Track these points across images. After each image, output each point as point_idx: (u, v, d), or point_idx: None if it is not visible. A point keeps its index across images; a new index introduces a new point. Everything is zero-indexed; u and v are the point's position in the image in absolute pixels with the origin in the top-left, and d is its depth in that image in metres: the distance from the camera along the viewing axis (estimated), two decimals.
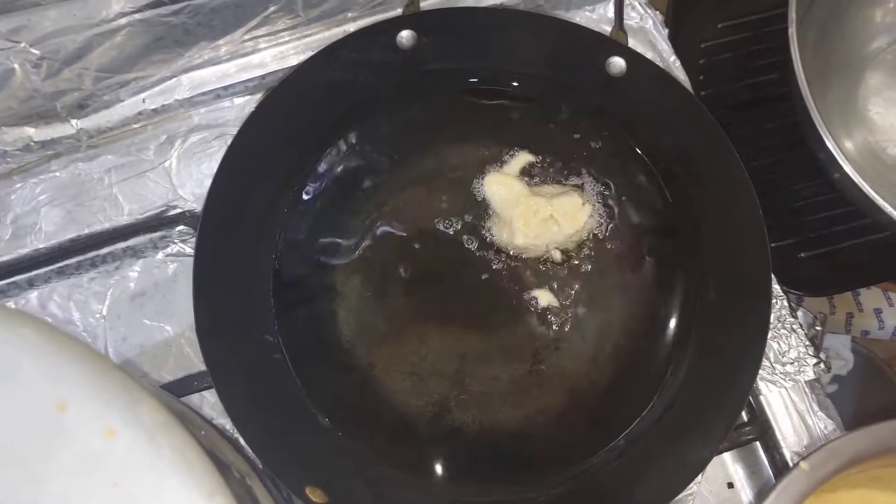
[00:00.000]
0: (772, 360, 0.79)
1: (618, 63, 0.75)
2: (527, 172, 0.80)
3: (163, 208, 0.84)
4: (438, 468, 0.71)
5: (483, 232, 0.78)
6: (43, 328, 0.43)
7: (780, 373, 0.78)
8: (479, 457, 0.72)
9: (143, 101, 0.84)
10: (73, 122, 0.83)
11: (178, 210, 0.84)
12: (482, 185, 0.79)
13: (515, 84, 0.80)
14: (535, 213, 0.77)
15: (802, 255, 0.95)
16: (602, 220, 0.79)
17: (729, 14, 1.02)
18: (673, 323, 0.75)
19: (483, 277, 0.77)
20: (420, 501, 0.69)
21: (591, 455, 0.71)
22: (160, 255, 0.85)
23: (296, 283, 0.76)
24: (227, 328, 0.70)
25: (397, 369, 0.74)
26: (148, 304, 0.84)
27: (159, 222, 0.84)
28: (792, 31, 0.78)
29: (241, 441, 0.65)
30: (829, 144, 0.75)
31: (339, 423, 0.71)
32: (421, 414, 0.73)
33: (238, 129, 0.74)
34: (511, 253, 0.78)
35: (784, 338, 0.80)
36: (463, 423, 0.72)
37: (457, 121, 0.81)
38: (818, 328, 0.84)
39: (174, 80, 0.84)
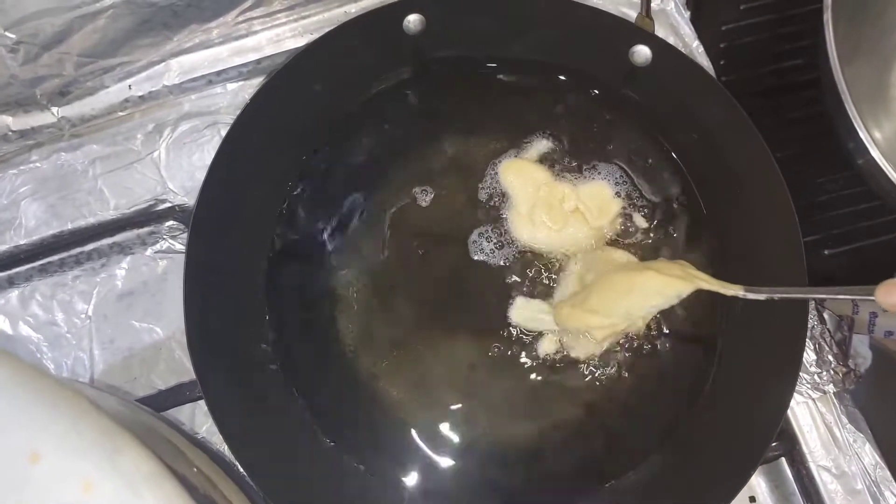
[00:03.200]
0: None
1: (643, 52, 0.69)
2: (546, 161, 0.74)
3: (151, 202, 0.79)
4: (448, 485, 0.67)
5: (499, 229, 0.72)
6: (8, 363, 0.38)
7: (808, 383, 0.74)
8: (490, 471, 0.68)
9: (129, 87, 0.79)
10: (54, 109, 0.78)
11: (168, 204, 0.79)
12: (497, 174, 0.73)
13: (532, 72, 0.74)
14: (561, 202, 0.70)
15: (826, 251, 0.91)
16: (628, 215, 0.73)
17: None
18: (700, 335, 0.70)
19: (498, 281, 0.71)
20: None
21: (610, 477, 0.67)
22: (149, 252, 0.80)
23: (293, 287, 0.70)
24: (219, 338, 0.65)
25: (403, 381, 0.69)
26: (136, 305, 0.79)
27: (147, 217, 0.79)
28: (827, 16, 0.73)
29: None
30: (861, 132, 0.70)
31: (342, 442, 0.66)
32: (428, 428, 0.68)
33: (233, 120, 0.69)
34: (532, 252, 0.71)
35: (811, 345, 0.75)
36: (473, 436, 0.68)
37: (468, 110, 0.75)
38: (845, 333, 0.80)
39: (162, 65, 0.79)
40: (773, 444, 0.71)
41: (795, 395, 0.73)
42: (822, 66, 0.74)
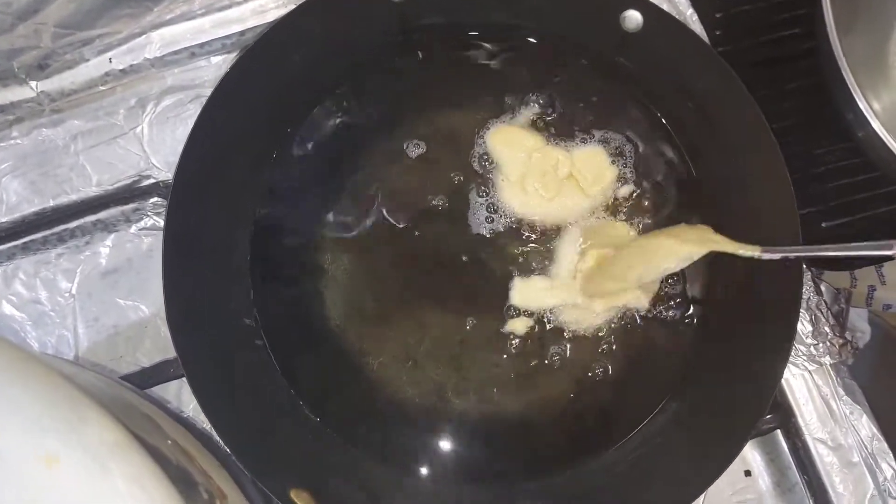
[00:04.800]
0: (794, 341, 0.73)
1: (634, 17, 0.67)
2: (537, 128, 0.72)
3: (135, 178, 0.77)
4: (437, 462, 0.66)
5: (490, 199, 0.70)
6: None
7: (804, 354, 0.73)
8: (480, 448, 0.67)
9: (110, 60, 0.77)
10: (33, 83, 0.76)
11: (152, 180, 0.77)
12: (485, 141, 0.71)
13: (519, 39, 0.72)
14: (555, 169, 0.68)
15: (824, 224, 0.89)
16: (623, 183, 0.71)
17: None
18: (693, 305, 0.69)
19: (487, 253, 0.70)
20: (418, 500, 0.64)
21: (602, 449, 0.66)
22: (133, 229, 0.78)
23: (277, 261, 0.69)
24: (201, 312, 0.64)
25: (391, 355, 0.68)
26: (121, 282, 0.77)
27: (131, 194, 0.77)
28: None
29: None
30: (860, 103, 0.69)
31: (328, 418, 0.65)
32: (418, 404, 0.67)
33: (212, 90, 0.67)
34: (524, 223, 0.70)
35: (808, 317, 0.74)
36: (463, 412, 0.67)
37: (455, 79, 0.74)
38: (842, 305, 0.78)
39: (143, 37, 0.77)
40: (768, 416, 0.70)
41: (791, 367, 0.72)
42: (819, 36, 0.72)
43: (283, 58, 0.69)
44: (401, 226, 0.70)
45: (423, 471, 0.65)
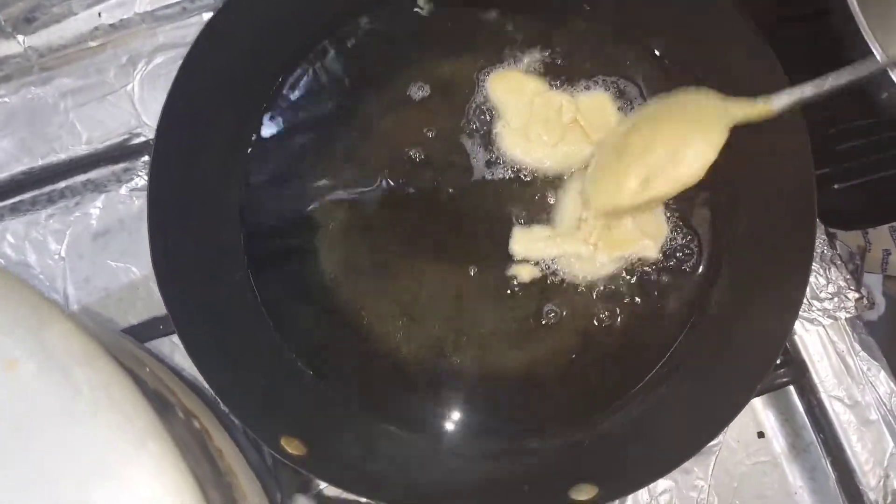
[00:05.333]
0: (808, 295, 0.70)
1: None
2: (538, 74, 0.69)
3: (126, 136, 0.75)
4: (435, 418, 0.63)
5: (491, 147, 0.67)
6: None
7: (818, 309, 0.70)
8: (479, 404, 0.64)
9: (99, 14, 0.75)
10: (21, 38, 0.74)
11: (143, 139, 0.75)
12: (485, 87, 0.68)
13: None
14: (558, 114, 0.65)
15: (836, 186, 0.86)
16: None
17: None
18: (703, 256, 0.66)
19: (487, 202, 0.67)
20: (416, 455, 0.61)
21: (607, 404, 0.63)
22: (124, 190, 0.76)
23: (269, 215, 0.67)
24: (189, 263, 0.61)
25: (387, 310, 0.66)
26: (112, 244, 0.75)
27: (122, 152, 0.75)
28: None
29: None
30: (879, 55, 0.66)
31: (322, 372, 0.62)
32: (415, 359, 0.64)
33: (194, 39, 0.64)
34: (526, 170, 0.67)
35: (822, 271, 0.71)
36: (461, 367, 0.64)
37: (446, 32, 0.70)
38: (857, 262, 0.76)
39: None
40: (781, 370, 0.67)
41: (804, 322, 0.70)
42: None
43: (266, 8, 0.66)
44: (397, 177, 0.68)
45: (421, 423, 0.63)
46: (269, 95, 0.69)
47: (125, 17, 0.75)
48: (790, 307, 0.59)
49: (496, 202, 0.67)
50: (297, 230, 0.67)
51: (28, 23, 0.73)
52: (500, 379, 0.64)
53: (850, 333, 0.70)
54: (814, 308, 0.70)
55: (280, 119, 0.69)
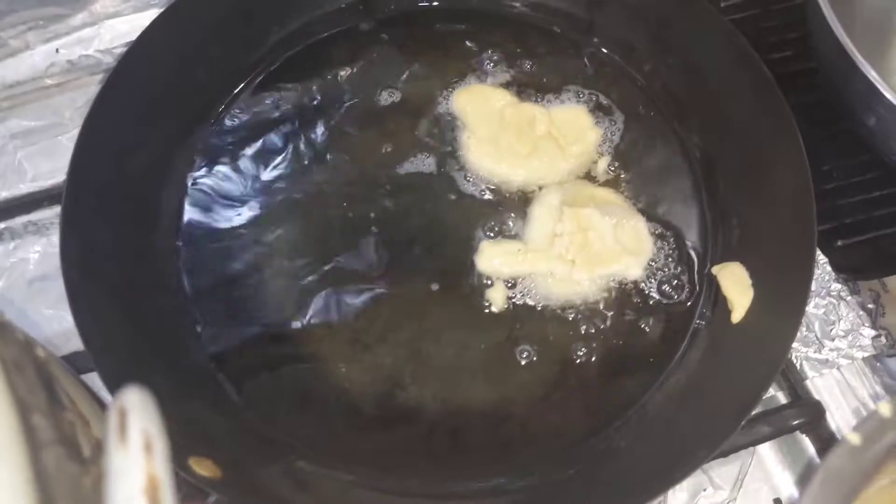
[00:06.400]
0: (818, 333, 0.62)
1: None
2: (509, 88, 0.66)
3: None
4: (388, 456, 0.54)
5: (455, 161, 0.63)
6: None
7: (831, 349, 0.62)
8: (439, 443, 0.55)
9: (57, 50, 0.72)
10: None
11: None
12: (450, 101, 0.64)
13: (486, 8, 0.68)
14: (531, 125, 0.61)
15: (840, 243, 0.80)
16: (607, 147, 0.64)
17: None
18: (691, 269, 0.59)
19: (451, 219, 0.61)
20: (359, 497, 0.51)
21: (585, 439, 0.54)
22: None
23: (208, 231, 0.61)
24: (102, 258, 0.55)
25: (338, 337, 0.58)
26: (49, 290, 0.69)
27: None
28: None
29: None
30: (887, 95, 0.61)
31: (252, 402, 0.54)
32: (367, 392, 0.56)
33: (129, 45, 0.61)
34: (494, 182, 0.62)
35: (831, 308, 0.63)
36: (420, 402, 0.55)
37: (409, 51, 0.68)
38: (870, 306, 0.68)
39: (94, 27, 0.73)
40: (793, 410, 0.58)
41: (817, 364, 0.61)
42: (825, 47, 0.66)
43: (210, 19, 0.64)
44: (353, 191, 0.62)
45: (369, 462, 0.53)
46: (203, 140, 0.65)
47: (84, 52, 0.72)
48: (792, 315, 0.51)
49: (462, 216, 0.61)
50: (237, 247, 0.60)
51: None
52: (466, 412, 0.55)
53: (869, 375, 0.61)
54: (826, 348, 0.62)
55: (220, 142, 0.65)
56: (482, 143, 0.62)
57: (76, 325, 0.52)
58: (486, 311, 0.58)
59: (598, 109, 0.65)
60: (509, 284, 0.59)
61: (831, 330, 0.62)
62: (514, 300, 0.58)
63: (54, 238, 0.70)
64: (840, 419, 0.60)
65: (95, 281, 0.54)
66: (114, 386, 0.49)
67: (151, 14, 0.73)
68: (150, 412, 0.25)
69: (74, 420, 0.30)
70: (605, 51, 0.67)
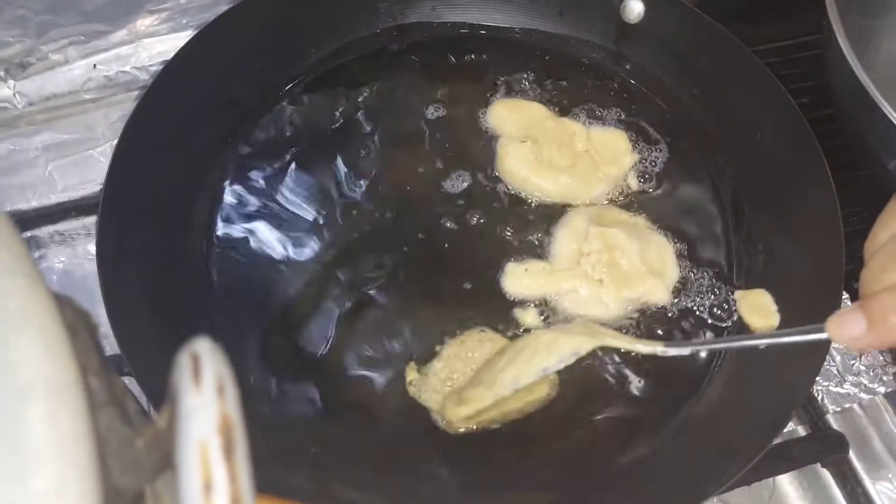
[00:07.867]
0: (839, 367, 0.62)
1: (634, 7, 0.64)
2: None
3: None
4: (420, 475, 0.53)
5: (489, 173, 0.63)
6: None
7: (853, 384, 0.62)
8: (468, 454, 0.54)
9: (95, 66, 0.74)
10: (11, 83, 0.73)
11: None
12: (486, 119, 0.65)
13: (516, 40, 0.70)
14: (572, 138, 0.62)
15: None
16: (643, 171, 0.65)
17: (755, 39, 0.95)
18: (715, 296, 0.59)
19: (485, 236, 0.62)
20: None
21: (613, 457, 0.53)
22: (91, 246, 0.70)
23: (237, 241, 0.62)
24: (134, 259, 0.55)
25: (365, 351, 0.57)
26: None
27: (96, 204, 0.71)
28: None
29: None
30: None
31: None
32: (389, 406, 0.55)
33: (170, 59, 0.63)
34: (525, 196, 0.62)
35: None
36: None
37: (442, 73, 0.69)
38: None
39: (132, 45, 0.75)
40: (813, 440, 0.57)
41: (839, 397, 0.61)
42: (848, 96, 0.67)
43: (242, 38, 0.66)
44: (386, 210, 0.63)
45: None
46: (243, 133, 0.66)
47: (121, 69, 0.74)
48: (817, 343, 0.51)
49: (491, 237, 0.62)
50: (266, 264, 0.61)
51: (22, 68, 0.72)
52: (493, 429, 0.55)
53: (891, 411, 0.61)
54: (847, 382, 0.62)
55: (250, 172, 0.65)
56: (521, 150, 0.63)
57: (110, 322, 0.52)
58: (516, 332, 0.58)
59: (636, 133, 0.66)
60: (536, 304, 0.59)
61: (853, 364, 0.62)
62: (545, 319, 0.58)
63: (80, 248, 0.70)
64: (862, 453, 0.59)
65: (128, 281, 0.54)
66: (147, 384, 0.50)
67: (187, 34, 0.75)
68: (221, 358, 0.25)
69: (123, 386, 0.30)
70: (633, 82, 0.68)
